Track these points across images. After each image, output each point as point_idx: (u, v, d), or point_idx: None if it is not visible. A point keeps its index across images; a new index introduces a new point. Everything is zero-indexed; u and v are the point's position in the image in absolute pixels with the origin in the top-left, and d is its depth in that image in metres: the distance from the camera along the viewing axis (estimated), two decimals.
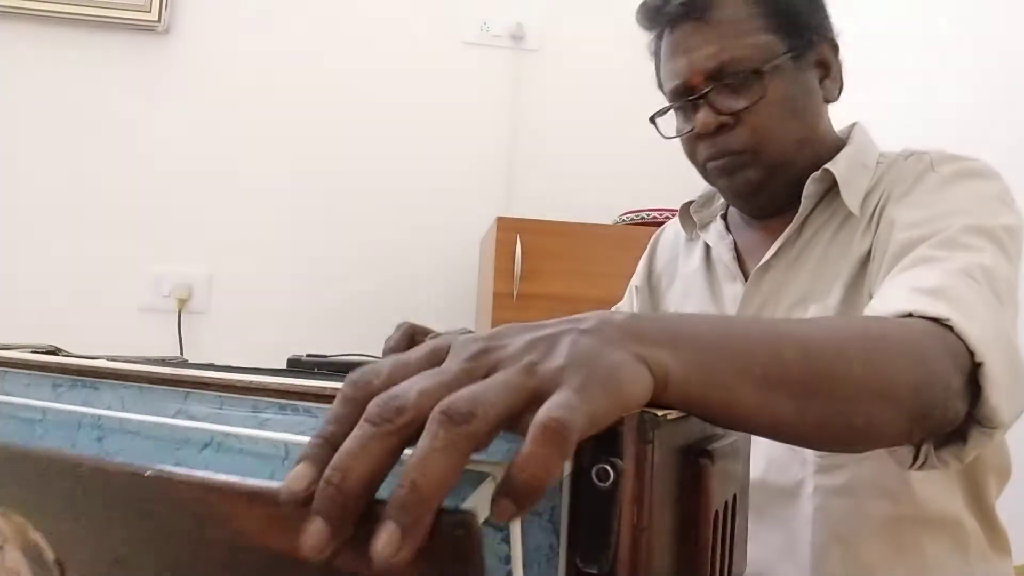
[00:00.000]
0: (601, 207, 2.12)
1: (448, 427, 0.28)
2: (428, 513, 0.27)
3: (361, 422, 0.29)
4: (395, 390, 0.30)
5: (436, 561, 0.27)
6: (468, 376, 0.31)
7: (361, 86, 2.23)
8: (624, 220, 2.03)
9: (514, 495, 0.27)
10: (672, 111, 0.92)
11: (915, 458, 0.60)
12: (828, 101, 0.88)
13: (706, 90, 0.83)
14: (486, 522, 0.29)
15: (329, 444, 0.30)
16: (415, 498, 0.27)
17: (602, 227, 1.98)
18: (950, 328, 0.55)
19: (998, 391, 0.55)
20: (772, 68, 0.82)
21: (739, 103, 0.82)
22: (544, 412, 0.28)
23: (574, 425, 0.28)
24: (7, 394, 0.47)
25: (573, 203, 2.17)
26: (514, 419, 0.29)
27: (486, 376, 0.31)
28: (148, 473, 0.33)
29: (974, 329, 0.55)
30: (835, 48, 0.88)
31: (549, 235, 1.88)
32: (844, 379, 0.44)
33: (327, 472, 0.28)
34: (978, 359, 0.54)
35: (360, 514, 0.28)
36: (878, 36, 1.66)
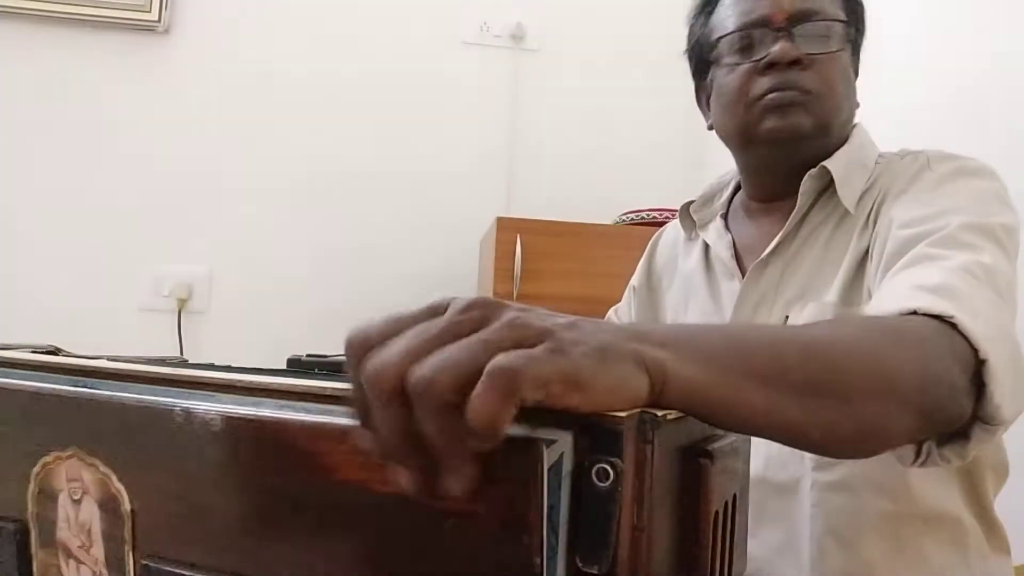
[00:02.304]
0: (601, 207, 2.12)
1: (418, 402, 0.29)
2: (458, 457, 0.29)
3: (368, 395, 0.31)
4: (379, 354, 0.31)
5: (500, 486, 0.30)
6: (454, 328, 0.31)
7: (361, 86, 2.23)
8: (624, 220, 2.03)
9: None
10: (697, 64, 0.94)
11: (916, 455, 0.60)
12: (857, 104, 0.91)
13: (789, 26, 0.84)
14: None
15: (360, 404, 0.32)
16: (438, 451, 0.30)
17: (602, 227, 1.98)
18: (954, 326, 0.55)
19: (1001, 389, 0.54)
20: (848, 34, 0.86)
21: (819, 47, 0.84)
22: (497, 358, 0.29)
23: (522, 372, 0.28)
24: None
25: (573, 203, 2.17)
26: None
27: (472, 330, 0.31)
28: (240, 416, 0.36)
29: (978, 326, 0.55)
30: (857, 68, 0.92)
31: (549, 235, 1.88)
32: (850, 378, 0.44)
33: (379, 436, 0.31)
34: (982, 356, 0.54)
35: (421, 457, 0.30)
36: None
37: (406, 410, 0.30)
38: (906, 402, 0.47)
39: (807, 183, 0.86)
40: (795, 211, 0.87)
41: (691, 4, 0.96)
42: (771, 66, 0.83)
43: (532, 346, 0.30)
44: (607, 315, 1.13)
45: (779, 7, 0.84)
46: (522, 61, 2.32)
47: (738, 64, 0.87)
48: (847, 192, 0.84)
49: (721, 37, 0.88)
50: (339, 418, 0.34)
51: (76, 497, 0.41)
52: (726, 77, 0.88)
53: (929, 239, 0.70)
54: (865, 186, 0.85)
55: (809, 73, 0.83)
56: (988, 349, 0.54)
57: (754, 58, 0.85)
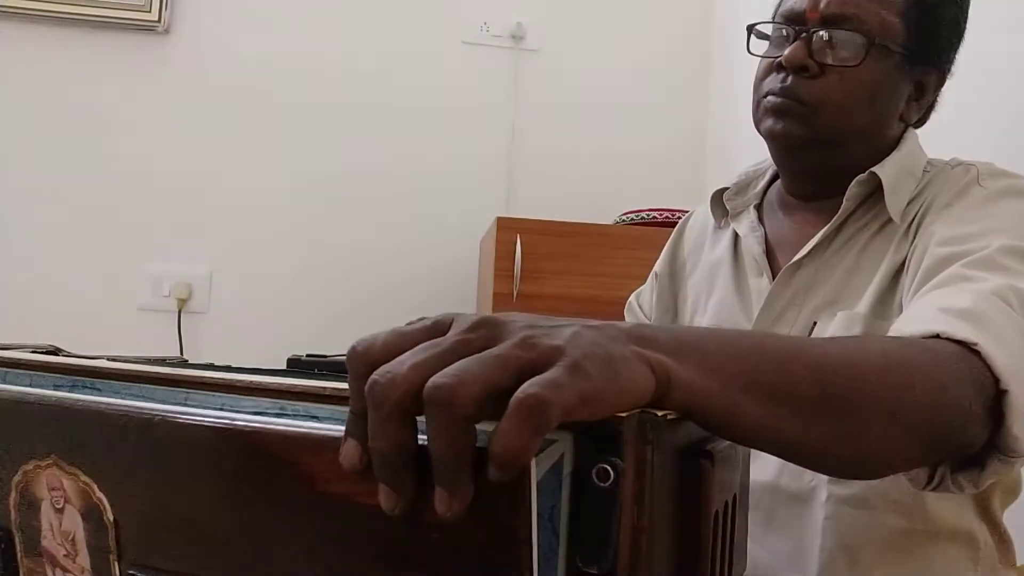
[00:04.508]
0: (601, 207, 2.12)
1: (438, 412, 0.29)
2: (462, 475, 0.29)
3: (370, 407, 0.30)
4: (388, 367, 0.31)
5: (489, 499, 0.29)
6: (463, 346, 0.31)
7: (361, 86, 2.23)
8: (624, 220, 2.03)
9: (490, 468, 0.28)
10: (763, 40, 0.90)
11: (929, 480, 0.59)
12: (903, 119, 0.86)
13: (812, 28, 0.81)
14: None
15: (358, 417, 0.31)
16: (443, 467, 0.29)
17: (602, 227, 1.98)
18: (977, 353, 0.53)
19: (1021, 421, 0.53)
20: (882, 47, 0.80)
21: (831, 57, 0.80)
22: (524, 387, 0.29)
23: (553, 403, 0.28)
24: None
25: (573, 203, 2.17)
26: (506, 391, 0.30)
27: (482, 348, 0.31)
28: (220, 425, 0.35)
29: (1001, 355, 0.53)
30: (941, 81, 0.87)
31: (549, 235, 1.88)
32: (855, 400, 0.43)
33: (371, 451, 0.31)
34: (1003, 387, 0.52)
35: (411, 475, 0.30)
36: None
37: (406, 426, 0.30)
38: (912, 428, 0.46)
39: (854, 188, 0.82)
40: (838, 215, 0.83)
41: None
42: (782, 67, 0.82)
43: (545, 365, 0.30)
44: (629, 300, 1.11)
45: (815, 6, 0.81)
46: (522, 61, 2.32)
47: (765, 55, 0.86)
48: (895, 200, 0.81)
49: (768, 21, 0.87)
50: (321, 427, 0.34)
51: (59, 506, 0.41)
52: (758, 64, 0.87)
53: (966, 259, 0.68)
54: (912, 195, 0.82)
55: (816, 82, 0.80)
56: (1009, 379, 0.52)
57: (775, 54, 0.84)
